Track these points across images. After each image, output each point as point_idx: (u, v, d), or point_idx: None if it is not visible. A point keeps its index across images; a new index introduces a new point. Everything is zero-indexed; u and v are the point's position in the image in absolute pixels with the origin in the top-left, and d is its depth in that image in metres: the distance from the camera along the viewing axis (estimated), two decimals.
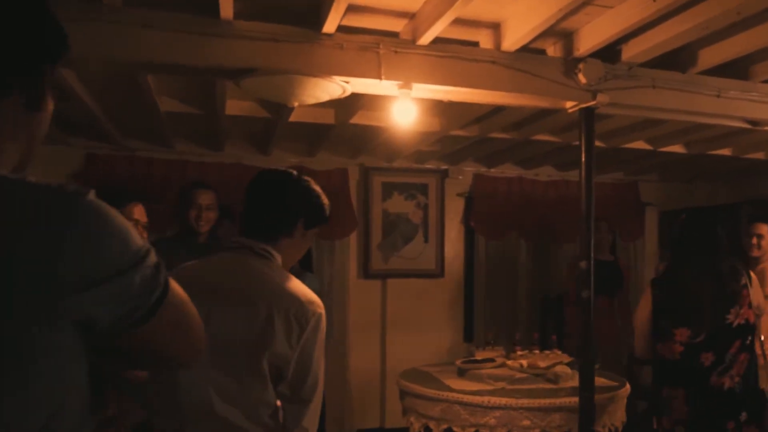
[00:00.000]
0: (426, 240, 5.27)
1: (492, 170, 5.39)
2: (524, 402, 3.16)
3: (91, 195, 0.78)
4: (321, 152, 4.92)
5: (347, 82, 2.43)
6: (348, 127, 3.99)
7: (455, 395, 3.25)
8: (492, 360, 3.75)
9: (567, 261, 5.24)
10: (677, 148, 4.48)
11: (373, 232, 5.14)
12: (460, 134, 4.07)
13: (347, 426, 4.98)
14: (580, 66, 2.61)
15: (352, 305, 5.05)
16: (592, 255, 2.75)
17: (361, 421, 4.96)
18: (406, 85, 2.46)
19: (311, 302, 1.54)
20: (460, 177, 5.30)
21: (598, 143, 4.38)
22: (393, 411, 4.40)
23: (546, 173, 5.53)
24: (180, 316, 0.91)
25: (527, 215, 5.44)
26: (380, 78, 2.42)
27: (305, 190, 1.67)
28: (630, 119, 3.70)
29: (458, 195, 5.35)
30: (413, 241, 5.23)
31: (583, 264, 2.75)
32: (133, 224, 1.12)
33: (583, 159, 2.76)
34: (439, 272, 5.29)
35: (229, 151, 4.79)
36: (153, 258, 0.83)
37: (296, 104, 2.41)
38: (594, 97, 2.66)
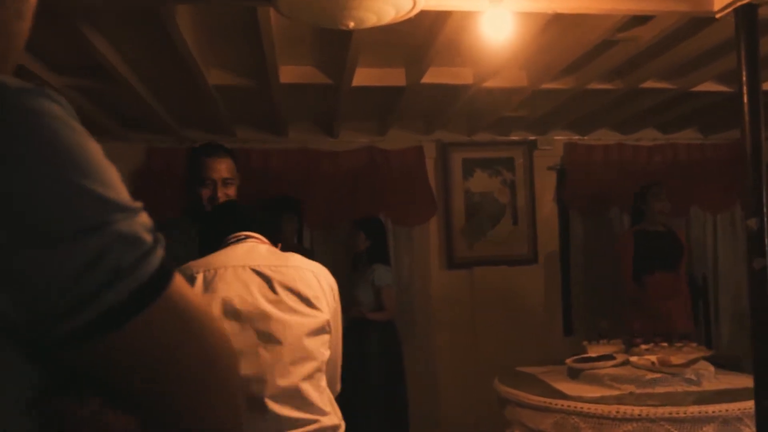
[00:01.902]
0: (515, 221, 4.42)
1: (585, 138, 4.48)
2: (665, 411, 2.30)
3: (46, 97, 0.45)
4: (392, 130, 4.19)
5: None
6: (421, 92, 3.24)
7: (572, 404, 2.44)
8: (611, 357, 2.87)
9: (619, 233, 4.24)
10: None
11: (455, 216, 4.34)
12: (551, 87, 3.23)
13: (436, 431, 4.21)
14: None
15: (436, 299, 4.27)
16: (765, 210, 1.86)
17: (452, 427, 4.18)
18: None
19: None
20: (550, 148, 4.42)
21: (717, 87, 3.43)
22: (487, 417, 3.59)
23: (649, 137, 4.55)
24: (186, 341, 0.49)
25: (629, 187, 4.47)
26: None
27: None
28: None
29: (549, 168, 4.47)
30: (500, 224, 4.39)
31: (752, 223, 1.86)
32: None
33: (744, 77, 1.87)
34: (531, 257, 4.43)
35: (293, 135, 4.15)
36: (144, 221, 0.47)
37: (352, 25, 1.68)
38: None
